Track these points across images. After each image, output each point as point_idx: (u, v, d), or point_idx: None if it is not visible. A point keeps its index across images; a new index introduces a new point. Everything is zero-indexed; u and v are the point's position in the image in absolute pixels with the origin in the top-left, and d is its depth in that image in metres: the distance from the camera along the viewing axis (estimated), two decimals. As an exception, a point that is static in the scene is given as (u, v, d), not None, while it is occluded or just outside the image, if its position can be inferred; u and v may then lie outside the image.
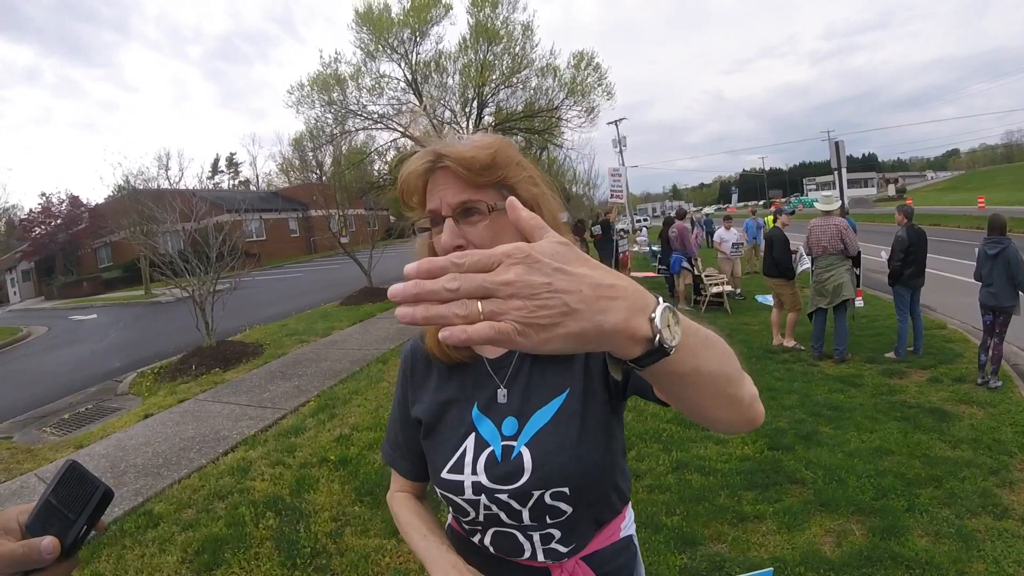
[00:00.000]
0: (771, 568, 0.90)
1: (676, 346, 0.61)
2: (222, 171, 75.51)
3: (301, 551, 3.59)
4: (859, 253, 7.08)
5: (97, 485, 0.74)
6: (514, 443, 1.06)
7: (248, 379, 7.94)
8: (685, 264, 11.65)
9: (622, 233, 17.29)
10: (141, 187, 23.58)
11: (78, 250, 41.93)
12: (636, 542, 1.24)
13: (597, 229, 15.02)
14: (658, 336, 0.59)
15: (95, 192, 73.41)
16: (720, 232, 12.96)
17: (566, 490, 1.03)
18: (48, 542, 0.68)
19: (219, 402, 6.97)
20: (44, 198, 41.48)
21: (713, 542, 3.38)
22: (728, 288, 11.33)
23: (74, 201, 41.81)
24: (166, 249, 10.39)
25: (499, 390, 1.12)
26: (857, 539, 3.30)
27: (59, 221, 41.00)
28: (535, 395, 1.09)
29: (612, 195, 18.86)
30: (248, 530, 3.89)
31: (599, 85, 18.63)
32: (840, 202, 7.88)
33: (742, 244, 13.33)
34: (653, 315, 0.59)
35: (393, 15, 17.39)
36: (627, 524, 1.20)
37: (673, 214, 13.17)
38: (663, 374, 0.65)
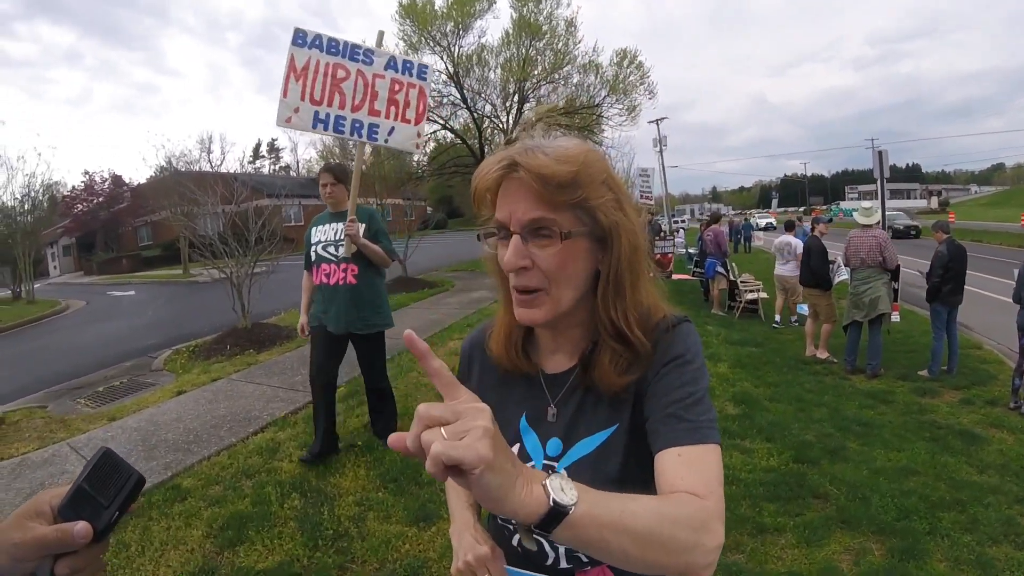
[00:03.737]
0: None
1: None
2: (263, 156, 76.58)
3: (324, 533, 3.66)
4: (898, 267, 6.97)
5: (131, 472, 0.75)
6: (555, 464, 1.05)
7: (281, 361, 8.06)
8: (720, 269, 11.52)
9: (663, 234, 17.13)
10: (183, 169, 23.99)
11: (119, 228, 42.74)
12: None
13: None
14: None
15: (138, 172, 74.78)
16: (787, 238, 10.16)
17: None
18: (81, 527, 0.69)
19: (251, 383, 7.10)
20: (87, 176, 42.40)
21: (731, 552, 3.37)
22: (763, 295, 11.15)
23: (116, 180, 42.67)
24: (206, 231, 10.57)
25: (549, 408, 1.09)
26: (876, 559, 3.27)
27: (101, 199, 41.81)
28: (584, 423, 1.06)
29: (642, 196, 18.65)
30: (273, 509, 3.97)
31: (641, 84, 18.61)
32: (879, 215, 7.74)
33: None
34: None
35: (437, 8, 17.48)
36: None
37: (708, 217, 12.84)
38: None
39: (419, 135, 4.70)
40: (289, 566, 3.36)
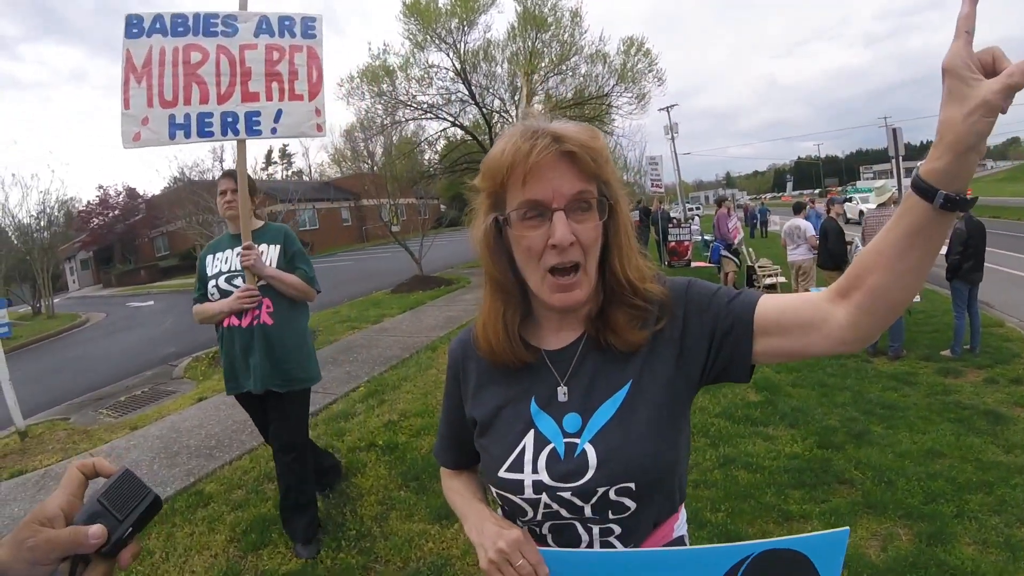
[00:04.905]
0: (847, 528, 0.90)
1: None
2: (275, 162, 76.83)
3: (347, 533, 3.67)
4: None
5: (147, 492, 0.76)
6: (577, 440, 1.02)
7: (299, 365, 8.06)
8: (724, 252, 11.40)
9: (676, 221, 17.09)
10: (196, 179, 24.18)
11: (135, 239, 43.27)
12: (687, 542, 1.18)
13: (635, 215, 14.97)
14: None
15: (151, 184, 75.71)
16: (796, 221, 9.65)
17: (632, 485, 0.98)
18: (96, 528, 0.70)
19: (270, 387, 7.11)
20: (102, 190, 42.96)
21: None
22: (781, 280, 10.94)
23: (131, 193, 43.28)
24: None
25: (559, 388, 1.07)
26: (903, 544, 3.22)
27: (117, 212, 42.40)
28: (597, 390, 1.04)
29: (652, 185, 18.55)
30: (296, 513, 3.99)
31: (650, 71, 18.45)
32: (894, 193, 7.62)
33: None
34: None
35: (440, 5, 17.46)
36: (680, 524, 1.15)
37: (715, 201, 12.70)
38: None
39: (318, 112, 3.47)
40: (313, 567, 3.37)
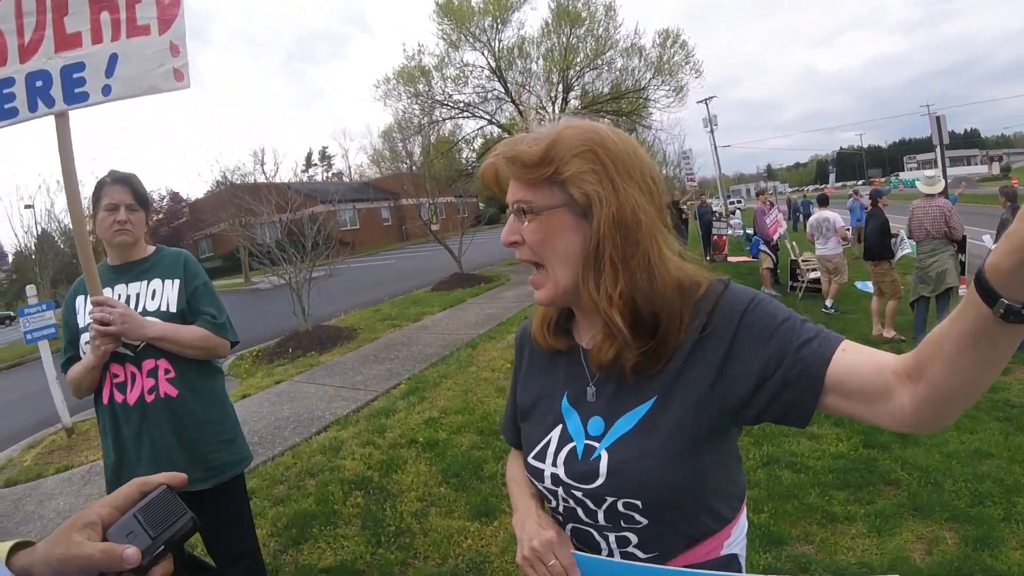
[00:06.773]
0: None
1: None
2: (315, 164, 78.11)
3: (386, 529, 3.72)
4: (964, 238, 6.65)
5: (183, 513, 0.75)
6: (597, 444, 1.02)
7: (342, 362, 8.24)
8: (763, 247, 11.16)
9: (718, 215, 16.96)
10: (238, 182, 24.62)
11: (180, 242, 44.19)
12: (742, 562, 1.12)
13: None
14: None
15: (194, 188, 77.48)
16: (824, 213, 9.17)
17: (638, 503, 0.97)
18: (132, 551, 0.69)
19: (314, 384, 7.25)
20: (146, 194, 44.07)
21: (800, 542, 3.29)
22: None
23: (174, 196, 44.28)
24: (264, 239, 10.83)
25: (588, 387, 1.07)
26: (949, 548, 3.13)
27: (160, 215, 43.41)
28: (623, 398, 1.02)
29: (687, 179, 18.47)
30: (336, 507, 4.06)
31: (686, 63, 18.31)
32: (943, 183, 7.40)
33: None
34: None
35: (473, 4, 17.52)
36: (732, 542, 1.09)
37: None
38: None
39: (175, 50, 2.15)
40: (352, 563, 3.42)
